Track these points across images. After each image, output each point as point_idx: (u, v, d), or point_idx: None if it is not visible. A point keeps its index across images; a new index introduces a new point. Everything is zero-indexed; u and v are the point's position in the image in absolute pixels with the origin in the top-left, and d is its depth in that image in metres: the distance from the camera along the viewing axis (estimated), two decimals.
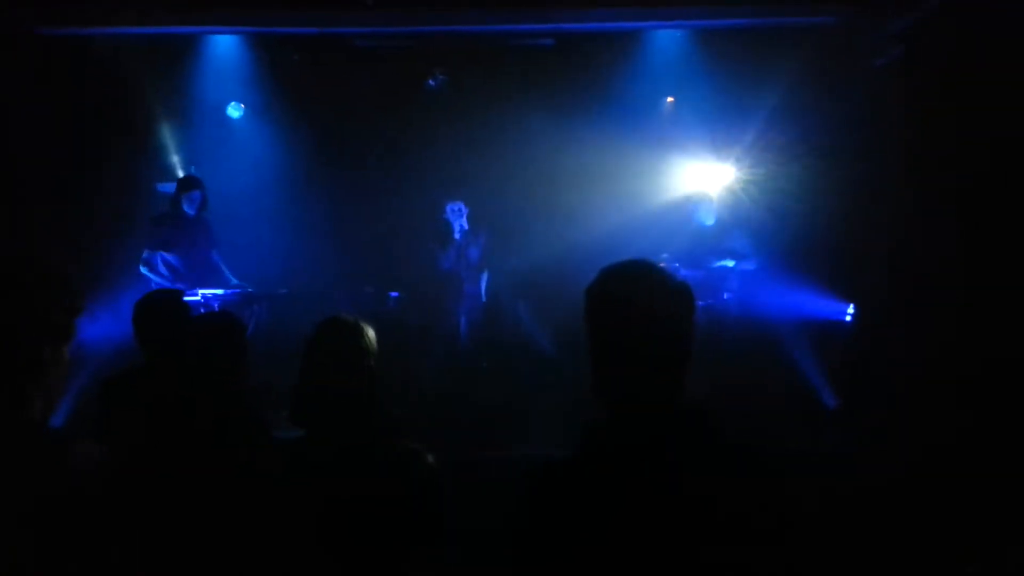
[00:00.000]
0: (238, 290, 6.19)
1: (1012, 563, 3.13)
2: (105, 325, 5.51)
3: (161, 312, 3.04)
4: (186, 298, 5.52)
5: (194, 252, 6.17)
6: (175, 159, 7.23)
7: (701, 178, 7.20)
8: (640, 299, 1.57)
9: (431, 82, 7.40)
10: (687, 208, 6.85)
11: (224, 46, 7.16)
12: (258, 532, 2.17)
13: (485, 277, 6.78)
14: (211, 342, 2.68)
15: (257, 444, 2.52)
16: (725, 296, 6.49)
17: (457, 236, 6.59)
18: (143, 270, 6.08)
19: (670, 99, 7.53)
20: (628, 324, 1.57)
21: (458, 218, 6.60)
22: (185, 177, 6.41)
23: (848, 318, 6.77)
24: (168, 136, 7.15)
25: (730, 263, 6.43)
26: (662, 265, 1.63)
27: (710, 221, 6.72)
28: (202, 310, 5.64)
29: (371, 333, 2.40)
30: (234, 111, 7.39)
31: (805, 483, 1.61)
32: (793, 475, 1.54)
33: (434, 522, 2.29)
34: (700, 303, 1.66)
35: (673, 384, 1.57)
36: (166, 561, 2.30)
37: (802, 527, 1.51)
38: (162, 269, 6.09)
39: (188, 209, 6.11)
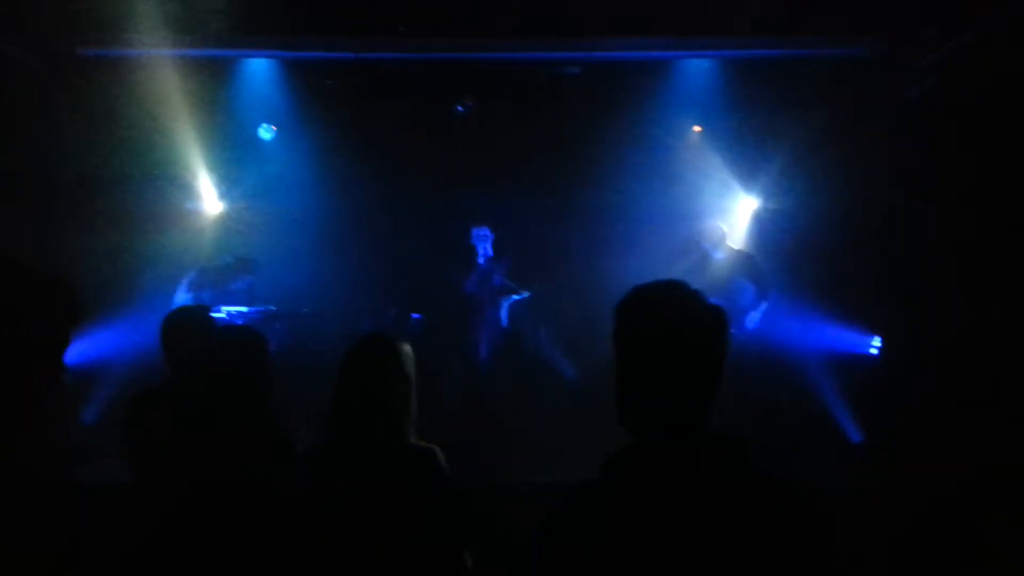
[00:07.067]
0: (261, 308, 6.27)
1: None
2: (128, 340, 5.57)
3: (189, 326, 3.05)
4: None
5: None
6: (206, 179, 7.31)
7: (727, 207, 7.18)
8: (674, 319, 1.50)
9: (459, 108, 7.45)
10: (696, 237, 6.79)
11: (258, 69, 7.27)
12: (281, 547, 2.17)
13: (507, 303, 6.78)
14: (236, 356, 2.69)
15: (280, 459, 2.51)
16: (748, 327, 6.43)
17: (481, 261, 6.61)
18: (182, 297, 6.20)
19: (697, 128, 7.52)
20: (660, 345, 1.49)
21: (483, 243, 6.62)
22: (245, 260, 6.67)
23: (874, 351, 6.68)
24: (198, 156, 7.23)
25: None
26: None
27: (719, 253, 6.67)
28: None
29: (408, 350, 2.41)
30: (265, 133, 7.48)
31: (835, 518, 1.56)
32: (825, 510, 1.49)
33: (456, 536, 2.29)
34: None
35: (703, 410, 1.51)
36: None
37: (835, 562, 1.46)
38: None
39: (236, 287, 6.51)
